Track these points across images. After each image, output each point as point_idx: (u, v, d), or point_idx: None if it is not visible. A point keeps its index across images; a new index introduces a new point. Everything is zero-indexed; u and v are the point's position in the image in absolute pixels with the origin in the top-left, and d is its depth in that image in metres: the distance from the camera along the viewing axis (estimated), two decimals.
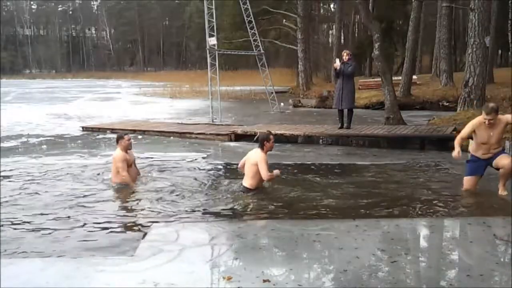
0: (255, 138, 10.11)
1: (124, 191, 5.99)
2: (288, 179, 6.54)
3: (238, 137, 10.43)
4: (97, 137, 11.18)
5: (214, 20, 14.83)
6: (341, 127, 10.40)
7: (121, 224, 4.72)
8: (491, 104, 5.54)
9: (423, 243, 4.37)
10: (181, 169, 7.36)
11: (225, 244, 4.10)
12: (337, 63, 10.24)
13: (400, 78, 19.20)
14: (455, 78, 19.22)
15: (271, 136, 5.88)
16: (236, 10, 23.77)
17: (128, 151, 6.27)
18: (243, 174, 5.92)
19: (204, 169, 7.37)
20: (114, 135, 11.23)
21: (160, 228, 4.55)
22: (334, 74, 10.47)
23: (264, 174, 5.66)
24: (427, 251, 4.07)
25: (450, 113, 12.54)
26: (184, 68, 65.74)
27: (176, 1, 75.80)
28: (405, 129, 10.31)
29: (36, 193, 5.92)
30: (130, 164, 6.21)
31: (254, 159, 5.74)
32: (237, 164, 6.25)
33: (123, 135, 6.34)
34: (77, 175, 6.87)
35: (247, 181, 5.79)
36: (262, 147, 5.79)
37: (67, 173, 7.02)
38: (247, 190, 5.78)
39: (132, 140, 6.42)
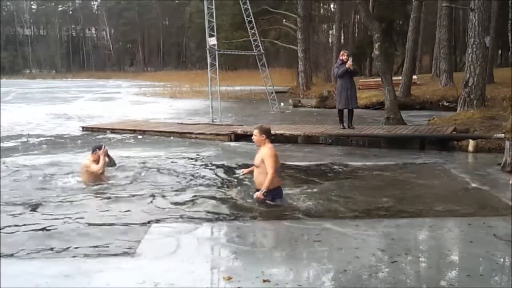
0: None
1: (124, 191, 5.99)
2: (288, 179, 6.53)
3: (238, 137, 10.42)
4: (97, 137, 11.17)
5: (214, 20, 14.83)
6: (345, 128, 10.36)
7: (121, 224, 4.71)
8: (263, 124, 5.57)
9: (423, 243, 4.37)
10: (181, 169, 7.35)
11: (225, 244, 4.10)
12: (350, 62, 10.20)
13: (400, 78, 19.17)
14: (455, 78, 19.18)
15: None
16: (236, 10, 23.75)
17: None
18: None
19: (204, 169, 7.36)
20: (114, 135, 11.39)
21: (160, 228, 4.55)
22: (339, 74, 10.32)
23: None
24: (427, 251, 4.07)
25: (450, 113, 12.54)
26: (184, 68, 65.58)
27: (176, 1, 75.76)
28: (405, 129, 10.31)
29: (34, 192, 5.91)
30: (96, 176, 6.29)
31: None
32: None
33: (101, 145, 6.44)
34: (76, 174, 6.86)
35: None
36: None
37: (66, 172, 7.02)
38: None
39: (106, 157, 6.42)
